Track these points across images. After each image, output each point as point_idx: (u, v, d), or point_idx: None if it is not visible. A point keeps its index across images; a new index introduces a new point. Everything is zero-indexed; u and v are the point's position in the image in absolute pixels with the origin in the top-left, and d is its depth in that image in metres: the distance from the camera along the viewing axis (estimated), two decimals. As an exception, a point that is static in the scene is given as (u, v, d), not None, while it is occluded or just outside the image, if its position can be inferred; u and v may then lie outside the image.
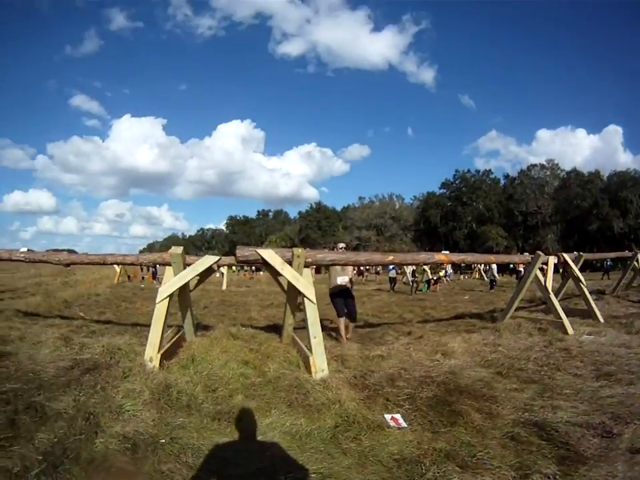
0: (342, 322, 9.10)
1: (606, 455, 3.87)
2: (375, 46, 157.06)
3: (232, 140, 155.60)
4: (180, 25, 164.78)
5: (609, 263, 33.18)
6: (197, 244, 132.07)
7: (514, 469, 3.62)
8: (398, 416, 4.69)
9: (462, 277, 43.28)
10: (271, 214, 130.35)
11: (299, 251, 6.59)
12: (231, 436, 4.23)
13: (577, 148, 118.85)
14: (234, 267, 45.45)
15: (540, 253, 10.03)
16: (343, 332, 9.08)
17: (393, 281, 26.04)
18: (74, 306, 13.97)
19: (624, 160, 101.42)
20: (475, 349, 7.81)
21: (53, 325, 9.58)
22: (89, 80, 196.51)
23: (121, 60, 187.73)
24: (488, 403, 5.10)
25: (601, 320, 10.55)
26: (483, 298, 19.30)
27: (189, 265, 6.87)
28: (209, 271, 7.38)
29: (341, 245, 9.46)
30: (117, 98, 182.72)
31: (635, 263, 17.52)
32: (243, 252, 6.57)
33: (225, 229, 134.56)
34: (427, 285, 24.62)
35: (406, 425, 4.50)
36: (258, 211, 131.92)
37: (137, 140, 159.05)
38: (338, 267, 8.67)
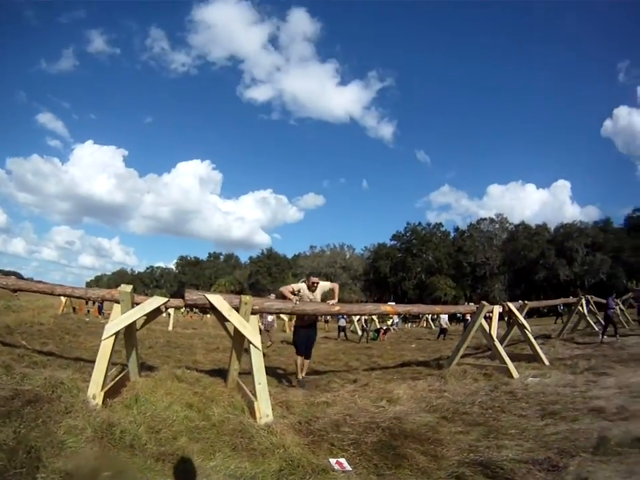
0: (299, 359, 9.45)
1: None
2: (339, 99, 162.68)
3: (190, 179, 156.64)
4: (155, 57, 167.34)
5: (561, 307, 33.94)
6: (146, 281, 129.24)
7: None
8: (343, 460, 4.72)
9: (409, 325, 43.58)
10: (222, 257, 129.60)
11: (246, 298, 6.71)
12: (175, 477, 4.18)
13: (527, 202, 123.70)
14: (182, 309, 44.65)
15: (485, 302, 10.35)
16: (299, 368, 9.44)
17: (341, 329, 26.06)
18: (16, 333, 13.40)
19: (571, 212, 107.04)
20: (420, 395, 7.90)
21: (-7, 350, 9.20)
22: (58, 99, 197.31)
23: (92, 84, 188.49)
24: (433, 446, 5.17)
25: (546, 363, 10.82)
26: (430, 346, 19.41)
27: (137, 304, 6.81)
28: (157, 312, 7.27)
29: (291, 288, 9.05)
30: (83, 122, 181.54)
31: (580, 308, 18.22)
32: (192, 296, 6.68)
33: (174, 269, 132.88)
34: (376, 334, 24.71)
35: (351, 469, 4.54)
36: (209, 253, 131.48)
37: (96, 167, 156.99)
38: (306, 297, 8.75)
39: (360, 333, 25.61)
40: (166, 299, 7.10)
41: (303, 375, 9.47)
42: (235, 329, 6.79)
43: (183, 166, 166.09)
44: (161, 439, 4.95)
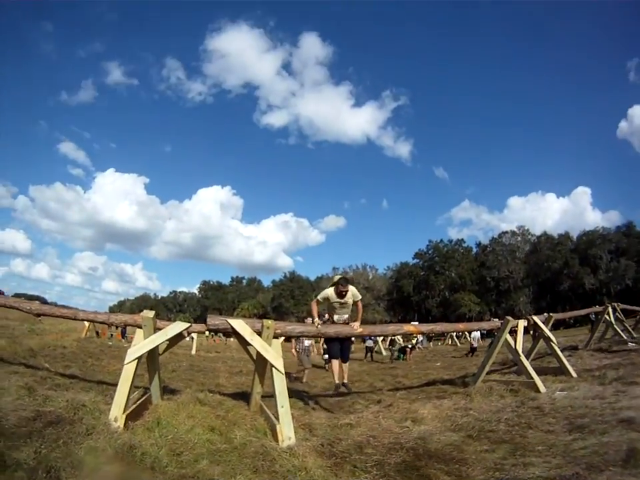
0: (335, 363, 9.32)
1: None
2: (355, 120, 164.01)
3: (211, 205, 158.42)
4: (172, 87, 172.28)
5: (594, 316, 33.38)
6: (169, 306, 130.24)
7: None
8: None
9: (434, 343, 43.22)
10: (244, 281, 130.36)
11: (268, 322, 6.76)
12: None
13: (548, 212, 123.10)
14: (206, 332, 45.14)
15: (509, 318, 10.22)
16: (336, 374, 9.34)
17: (369, 350, 25.85)
18: (39, 355, 13.43)
19: (593, 219, 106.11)
20: (445, 414, 7.80)
21: (16, 372, 9.13)
22: (79, 129, 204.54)
23: (112, 114, 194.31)
24: (458, 466, 5.11)
25: (574, 375, 10.59)
26: (456, 364, 19.25)
27: (159, 329, 6.85)
28: (179, 337, 7.28)
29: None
30: (104, 151, 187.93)
31: (606, 317, 17.90)
32: (214, 321, 6.77)
33: (197, 293, 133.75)
34: (401, 354, 24.50)
35: None
36: (231, 277, 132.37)
37: (118, 195, 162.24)
38: (336, 304, 8.80)
39: (384, 353, 25.39)
40: (188, 324, 7.13)
41: (345, 379, 9.40)
42: (258, 353, 6.80)
43: (203, 192, 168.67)
44: (182, 462, 4.98)
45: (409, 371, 17.03)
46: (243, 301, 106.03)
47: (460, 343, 37.59)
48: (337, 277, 9.03)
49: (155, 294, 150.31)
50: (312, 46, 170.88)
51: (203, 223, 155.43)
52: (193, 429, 5.86)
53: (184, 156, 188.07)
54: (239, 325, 6.66)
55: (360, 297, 9.08)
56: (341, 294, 8.74)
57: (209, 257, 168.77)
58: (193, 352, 25.18)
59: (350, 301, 8.90)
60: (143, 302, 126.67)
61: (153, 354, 6.96)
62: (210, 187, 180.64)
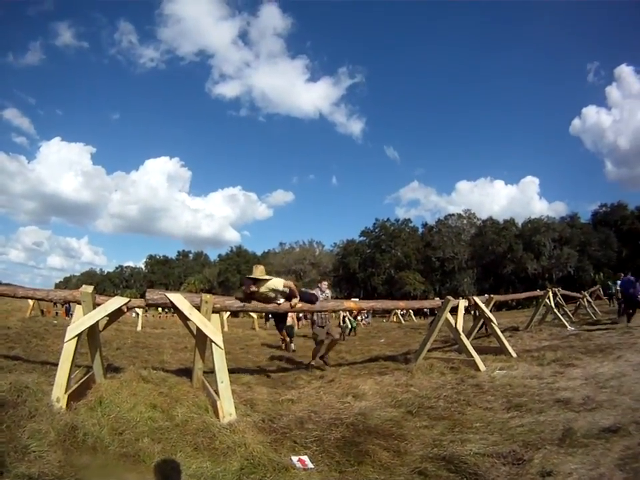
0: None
1: None
2: (309, 95, 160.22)
3: (158, 176, 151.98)
4: (123, 51, 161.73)
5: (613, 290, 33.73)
6: (115, 281, 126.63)
7: None
8: (305, 457, 4.70)
9: (378, 320, 43.56)
10: (191, 255, 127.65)
11: (207, 296, 6.70)
12: (136, 478, 4.21)
13: (495, 198, 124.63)
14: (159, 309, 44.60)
15: (450, 297, 10.43)
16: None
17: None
18: None
19: (539, 208, 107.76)
20: (386, 390, 7.86)
21: (-42, 355, 8.93)
22: (25, 94, 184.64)
23: (59, 78, 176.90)
24: (396, 441, 5.14)
25: (514, 355, 10.85)
26: (399, 340, 19.41)
27: (99, 304, 6.69)
28: (119, 312, 7.26)
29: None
30: (49, 118, 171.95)
31: (547, 301, 18.40)
32: (153, 295, 6.66)
33: (143, 268, 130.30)
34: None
35: (313, 466, 4.52)
36: (178, 252, 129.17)
37: (63, 165, 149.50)
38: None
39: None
40: (127, 299, 7.08)
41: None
42: (197, 328, 6.70)
43: (151, 163, 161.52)
44: (123, 441, 4.96)
45: (352, 347, 17.07)
46: (189, 275, 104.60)
47: (404, 320, 37.94)
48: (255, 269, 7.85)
49: (101, 269, 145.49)
50: (271, 16, 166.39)
51: (150, 195, 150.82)
52: (135, 407, 5.82)
53: (132, 124, 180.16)
54: (178, 299, 6.55)
55: (281, 287, 7.85)
56: (249, 296, 7.68)
57: (156, 230, 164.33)
58: (139, 328, 24.64)
59: (272, 294, 7.78)
60: (89, 278, 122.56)
61: (93, 331, 6.81)
62: (158, 157, 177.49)
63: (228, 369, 6.36)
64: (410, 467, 4.37)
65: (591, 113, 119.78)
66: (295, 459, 4.66)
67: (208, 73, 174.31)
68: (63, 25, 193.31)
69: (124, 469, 4.32)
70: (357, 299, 9.74)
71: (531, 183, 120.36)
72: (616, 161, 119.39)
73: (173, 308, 6.76)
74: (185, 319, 6.76)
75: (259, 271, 7.68)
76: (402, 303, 12.31)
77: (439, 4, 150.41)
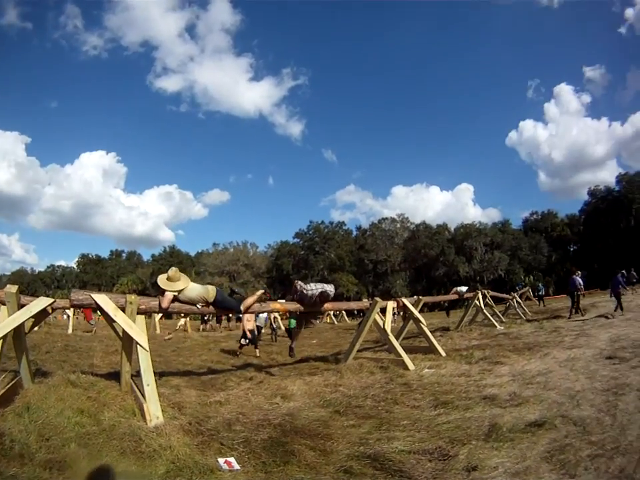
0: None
1: (441, 476, 3.99)
2: (251, 94, 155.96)
3: (93, 171, 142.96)
4: (67, 36, 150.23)
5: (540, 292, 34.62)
6: (47, 281, 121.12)
7: None
8: (232, 459, 4.64)
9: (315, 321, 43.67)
10: (124, 255, 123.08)
11: (132, 297, 6.58)
12: None
13: (430, 203, 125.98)
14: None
15: (377, 299, 10.61)
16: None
17: (260, 329, 25.39)
18: None
19: (473, 214, 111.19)
20: (315, 390, 7.88)
21: None
22: None
23: None
24: (323, 441, 5.11)
25: (443, 354, 11.04)
26: (331, 341, 19.63)
27: (23, 305, 6.37)
28: (44, 313, 6.91)
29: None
30: None
31: (477, 302, 18.81)
32: (78, 296, 6.47)
33: (76, 267, 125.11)
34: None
35: (239, 468, 4.47)
36: (111, 251, 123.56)
37: None
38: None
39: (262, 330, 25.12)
40: (52, 300, 6.72)
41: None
42: (123, 330, 6.55)
43: (86, 157, 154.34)
44: (50, 447, 4.81)
45: (284, 348, 17.01)
46: (122, 275, 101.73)
47: (337, 321, 38.19)
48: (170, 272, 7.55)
49: (32, 268, 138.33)
50: (221, 11, 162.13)
51: (84, 190, 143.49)
52: (62, 412, 5.67)
53: (70, 115, 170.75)
54: (103, 300, 6.37)
55: (194, 295, 7.56)
56: (168, 305, 7.35)
57: (89, 227, 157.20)
58: (69, 331, 23.82)
59: (195, 299, 7.54)
60: (19, 278, 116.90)
61: (18, 333, 6.55)
62: (94, 151, 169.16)
63: (159, 372, 6.26)
64: (335, 466, 4.33)
65: (528, 126, 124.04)
66: (221, 460, 4.60)
67: (151, 66, 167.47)
68: (9, 3, 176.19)
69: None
70: (284, 300, 9.59)
71: (466, 190, 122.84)
72: (549, 172, 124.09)
73: (98, 309, 6.59)
74: (110, 320, 6.59)
75: (172, 273, 7.45)
76: (329, 305, 12.32)
77: (388, 9, 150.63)
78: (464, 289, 19.39)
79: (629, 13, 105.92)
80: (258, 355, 14.53)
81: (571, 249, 79.23)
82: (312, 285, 9.10)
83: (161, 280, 7.37)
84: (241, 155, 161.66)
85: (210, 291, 7.81)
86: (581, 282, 19.20)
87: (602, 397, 6.05)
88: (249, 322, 15.03)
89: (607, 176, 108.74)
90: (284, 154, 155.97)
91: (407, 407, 6.49)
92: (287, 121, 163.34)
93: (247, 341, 14.68)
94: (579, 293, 19.07)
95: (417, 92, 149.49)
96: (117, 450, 4.78)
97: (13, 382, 6.71)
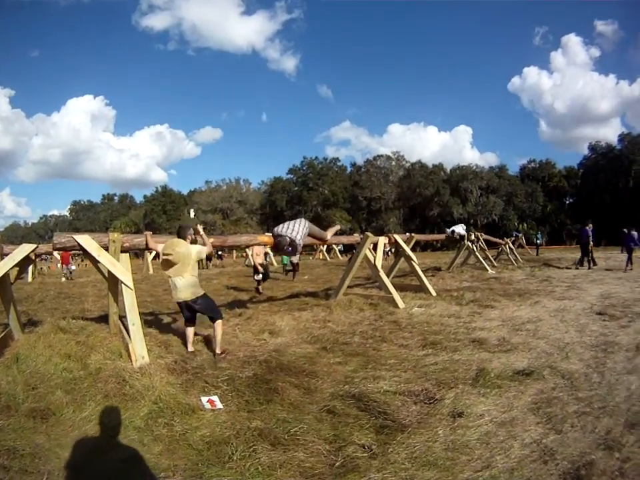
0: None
1: (426, 420, 3.93)
2: (242, 29, 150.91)
3: (81, 116, 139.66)
4: None
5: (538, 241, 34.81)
6: (40, 232, 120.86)
7: (328, 442, 3.59)
8: (215, 398, 4.64)
9: (308, 257, 43.72)
10: (116, 198, 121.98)
11: (114, 235, 6.47)
12: (46, 434, 4.06)
13: (427, 143, 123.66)
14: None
15: (369, 233, 10.45)
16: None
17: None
18: None
19: (470, 157, 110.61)
20: (303, 326, 7.90)
21: None
22: None
23: None
24: (308, 379, 5.10)
25: (433, 294, 11.06)
26: (322, 277, 19.67)
27: (6, 255, 6.43)
28: (28, 260, 6.89)
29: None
30: None
31: (469, 243, 18.73)
32: (60, 239, 6.33)
33: (68, 215, 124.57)
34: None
35: (222, 406, 4.46)
36: (103, 195, 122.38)
37: None
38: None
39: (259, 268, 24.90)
40: (34, 245, 6.74)
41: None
42: (108, 270, 6.39)
43: (73, 102, 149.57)
44: (37, 395, 4.84)
45: (274, 283, 17.01)
46: (115, 219, 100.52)
47: (329, 257, 38.25)
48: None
49: (25, 221, 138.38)
50: None
51: (73, 137, 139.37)
52: (50, 360, 5.70)
53: (53, 62, 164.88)
54: (85, 240, 6.22)
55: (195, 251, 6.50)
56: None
57: (80, 174, 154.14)
58: (63, 279, 23.70)
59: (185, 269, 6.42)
60: (13, 232, 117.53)
61: (4, 284, 6.58)
62: (81, 96, 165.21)
63: (149, 312, 6.10)
64: (319, 405, 4.30)
65: (532, 73, 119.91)
66: (204, 399, 4.60)
67: (136, 4, 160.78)
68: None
69: (33, 430, 4.11)
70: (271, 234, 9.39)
71: (464, 132, 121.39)
72: (551, 122, 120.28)
73: (81, 250, 6.43)
74: (95, 261, 6.44)
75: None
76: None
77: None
78: (461, 229, 19.04)
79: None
80: (261, 291, 14.28)
81: (567, 202, 79.12)
82: (286, 228, 8.49)
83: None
84: (233, 92, 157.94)
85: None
86: (590, 234, 19.15)
87: (591, 353, 6.00)
88: (257, 256, 14.83)
89: (609, 133, 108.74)
90: (277, 90, 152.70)
91: (395, 346, 6.47)
92: (281, 55, 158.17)
93: (261, 275, 14.44)
94: (590, 243, 19.14)
95: (419, 28, 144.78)
96: (101, 393, 4.77)
97: (3, 334, 6.75)
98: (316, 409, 4.24)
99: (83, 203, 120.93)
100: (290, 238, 7.96)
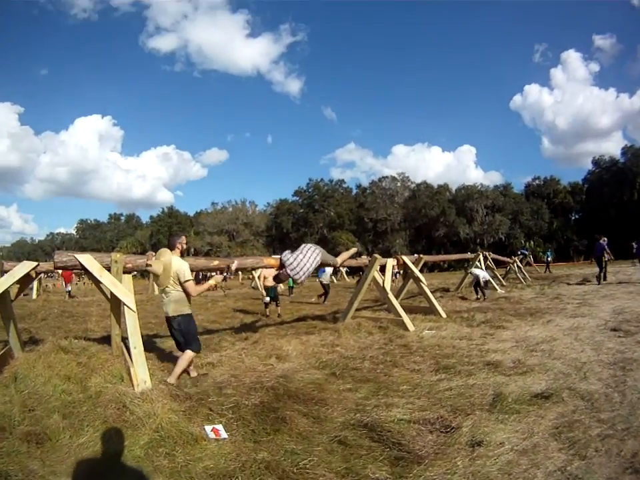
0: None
1: (443, 451, 3.73)
2: (247, 52, 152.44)
3: (89, 136, 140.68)
4: (54, 1, 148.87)
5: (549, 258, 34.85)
6: (47, 250, 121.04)
7: (340, 475, 3.42)
8: (219, 427, 4.43)
9: (314, 279, 43.39)
10: (122, 218, 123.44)
11: (117, 255, 6.35)
12: (41, 460, 3.90)
13: (431, 163, 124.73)
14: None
15: (377, 255, 10.31)
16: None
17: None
18: None
19: (475, 176, 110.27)
20: (311, 350, 7.73)
21: None
22: None
23: None
24: (317, 407, 4.90)
25: (443, 315, 10.88)
26: (330, 299, 19.57)
27: (6, 272, 6.40)
28: (28, 278, 6.93)
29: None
30: None
31: (478, 263, 18.61)
32: (62, 257, 6.17)
33: (75, 234, 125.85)
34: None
35: (226, 436, 4.25)
36: (109, 215, 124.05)
37: None
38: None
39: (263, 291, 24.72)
40: (35, 263, 6.68)
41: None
42: (110, 291, 6.28)
43: (81, 121, 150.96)
44: (32, 418, 4.72)
45: (282, 306, 16.86)
46: (121, 239, 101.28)
47: (337, 279, 38.06)
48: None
49: (32, 238, 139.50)
50: None
51: (80, 156, 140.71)
52: (49, 381, 5.58)
53: (62, 81, 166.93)
54: (87, 260, 6.09)
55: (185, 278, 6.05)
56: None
57: (87, 193, 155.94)
58: (67, 298, 23.50)
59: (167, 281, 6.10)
60: (20, 248, 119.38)
61: (4, 301, 6.52)
62: (89, 116, 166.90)
63: (152, 334, 5.95)
64: (329, 435, 4.10)
65: (533, 91, 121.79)
66: (208, 428, 4.40)
67: (143, 25, 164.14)
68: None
69: (28, 455, 3.95)
70: (278, 256, 9.25)
71: (468, 152, 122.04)
72: (553, 139, 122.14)
73: (82, 270, 6.29)
74: (97, 281, 6.41)
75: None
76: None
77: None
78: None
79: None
80: (268, 314, 14.04)
81: (573, 217, 79.22)
82: (293, 259, 8.09)
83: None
84: (239, 114, 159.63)
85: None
86: (605, 247, 19.10)
87: (609, 371, 5.80)
88: (266, 279, 14.68)
89: (611, 147, 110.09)
90: (283, 112, 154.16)
91: (407, 371, 6.28)
92: (286, 78, 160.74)
93: (269, 298, 14.21)
94: (607, 258, 19.03)
95: (421, 50, 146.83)
96: (100, 419, 4.60)
97: (2, 351, 6.71)
98: (326, 439, 4.03)
99: (89, 221, 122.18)
100: (291, 275, 7.92)
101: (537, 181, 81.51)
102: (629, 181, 65.03)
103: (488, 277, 17.82)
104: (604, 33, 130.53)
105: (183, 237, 6.62)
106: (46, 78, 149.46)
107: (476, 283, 17.29)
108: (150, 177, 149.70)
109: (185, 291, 6.06)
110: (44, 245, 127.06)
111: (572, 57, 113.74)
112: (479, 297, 15.99)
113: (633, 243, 20.26)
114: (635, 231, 45.07)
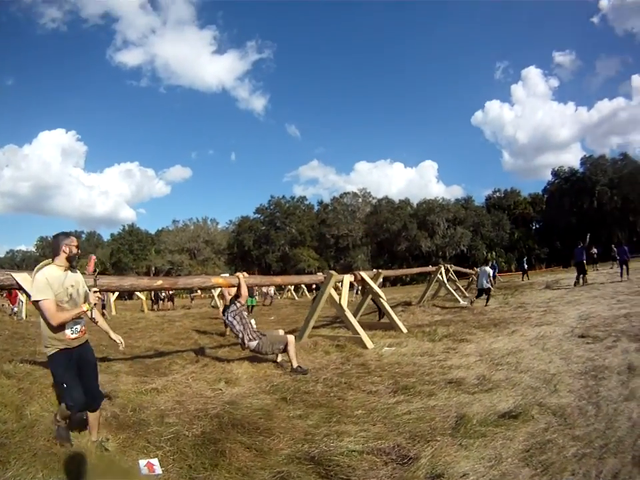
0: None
1: None
2: (213, 68, 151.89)
3: (52, 150, 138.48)
4: (24, 9, 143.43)
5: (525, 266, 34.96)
6: (6, 267, 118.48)
7: None
8: (155, 461, 4.01)
9: (277, 297, 43.21)
10: (83, 236, 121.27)
11: None
12: None
13: (393, 179, 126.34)
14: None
15: (332, 272, 10.12)
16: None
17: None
18: None
19: (437, 190, 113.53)
20: (263, 373, 7.40)
21: None
22: None
23: None
24: (262, 437, 4.48)
25: (404, 330, 10.67)
26: (289, 317, 19.03)
27: None
28: None
29: None
30: None
31: (439, 276, 18.52)
32: None
33: (35, 251, 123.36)
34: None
35: (160, 472, 3.85)
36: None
37: None
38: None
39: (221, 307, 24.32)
40: None
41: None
42: None
43: (45, 136, 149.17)
44: None
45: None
46: (82, 257, 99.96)
47: (297, 296, 37.73)
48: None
49: None
50: None
51: (43, 170, 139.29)
52: None
53: (27, 92, 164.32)
54: (23, 279, 5.61)
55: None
56: None
57: (48, 209, 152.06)
58: (23, 317, 22.05)
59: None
60: None
61: None
62: (53, 130, 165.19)
63: (102, 357, 5.51)
64: (271, 471, 3.68)
65: (494, 106, 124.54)
66: (142, 462, 3.96)
67: (111, 38, 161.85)
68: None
69: None
70: (227, 275, 8.87)
71: (430, 167, 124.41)
72: (513, 152, 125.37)
73: (20, 290, 5.97)
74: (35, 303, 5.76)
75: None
76: (278, 279, 11.71)
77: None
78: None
79: (603, 3, 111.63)
80: (228, 333, 13.27)
81: (533, 227, 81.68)
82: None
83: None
84: (203, 130, 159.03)
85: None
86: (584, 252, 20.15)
87: (581, 382, 5.58)
88: (226, 298, 14.27)
89: (570, 159, 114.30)
90: (246, 129, 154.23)
91: (363, 393, 5.90)
92: (250, 95, 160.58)
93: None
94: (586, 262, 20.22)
95: (383, 68, 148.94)
96: (30, 451, 4.15)
97: None
98: (268, 475, 3.63)
99: (49, 239, 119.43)
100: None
101: (498, 194, 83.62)
102: (588, 189, 67.17)
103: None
104: (564, 50, 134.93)
105: (72, 238, 4.83)
106: (11, 89, 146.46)
107: (479, 290, 17.44)
108: (113, 194, 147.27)
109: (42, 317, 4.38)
110: (3, 262, 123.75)
111: (532, 73, 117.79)
112: (488, 303, 16.27)
113: (613, 246, 20.73)
114: (595, 236, 46.10)
